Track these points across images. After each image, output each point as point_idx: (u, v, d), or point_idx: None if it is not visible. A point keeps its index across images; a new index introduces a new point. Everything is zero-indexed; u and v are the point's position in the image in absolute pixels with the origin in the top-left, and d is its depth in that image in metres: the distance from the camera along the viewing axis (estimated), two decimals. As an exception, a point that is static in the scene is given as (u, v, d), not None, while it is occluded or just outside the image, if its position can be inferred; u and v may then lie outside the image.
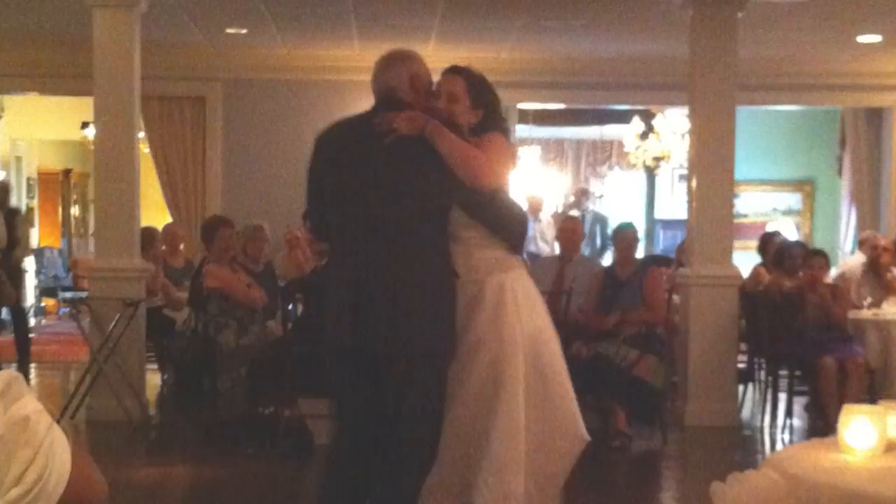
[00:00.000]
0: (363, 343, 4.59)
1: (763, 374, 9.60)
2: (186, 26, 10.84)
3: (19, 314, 11.86)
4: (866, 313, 9.14)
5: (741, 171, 15.79)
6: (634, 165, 15.96)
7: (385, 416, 4.67)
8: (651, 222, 16.76)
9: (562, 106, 14.43)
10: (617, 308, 8.61)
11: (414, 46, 11.52)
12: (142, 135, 10.55)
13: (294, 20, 10.78)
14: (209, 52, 12.13)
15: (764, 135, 15.28)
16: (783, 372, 9.18)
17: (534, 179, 16.05)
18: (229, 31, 11.25)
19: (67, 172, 19.58)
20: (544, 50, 12.15)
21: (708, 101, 9.27)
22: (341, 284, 4.69)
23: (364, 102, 12.93)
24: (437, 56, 12.05)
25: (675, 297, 9.48)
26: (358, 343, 4.61)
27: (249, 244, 9.46)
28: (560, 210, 16.72)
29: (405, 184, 4.63)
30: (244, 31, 11.24)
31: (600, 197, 17.94)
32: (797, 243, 9.51)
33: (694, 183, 9.43)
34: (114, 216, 9.15)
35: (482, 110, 4.87)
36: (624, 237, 9.13)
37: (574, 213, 14.56)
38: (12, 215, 11.64)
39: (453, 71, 4.92)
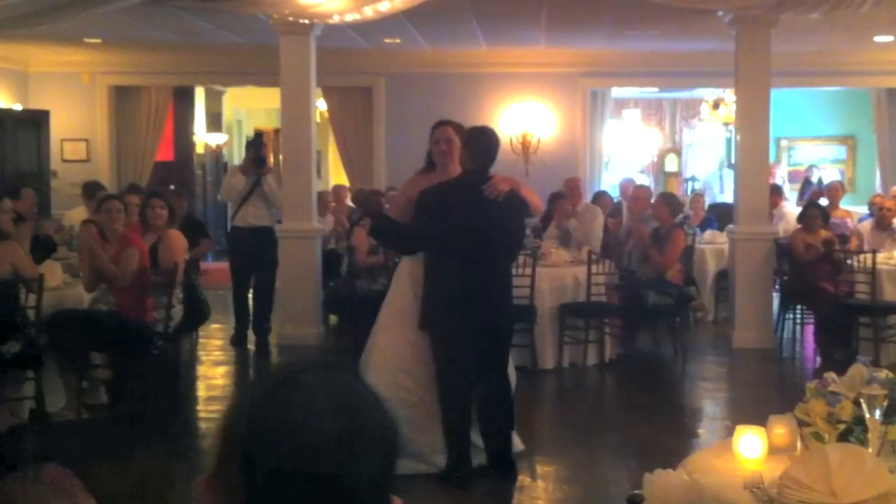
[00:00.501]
0: (474, 322, 5.55)
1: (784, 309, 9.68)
2: (354, 39, 11.23)
3: None
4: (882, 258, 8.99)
5: (799, 128, 15.81)
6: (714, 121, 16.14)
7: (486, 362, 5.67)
8: (728, 166, 16.81)
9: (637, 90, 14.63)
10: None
11: (526, 47, 12.04)
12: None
13: (434, 32, 11.14)
14: (374, 54, 12.54)
15: (815, 102, 15.21)
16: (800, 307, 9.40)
17: (634, 137, 16.33)
18: (387, 40, 11.68)
19: (277, 131, 20.38)
20: (627, 52, 12.41)
21: (748, 90, 9.42)
22: (456, 287, 5.54)
23: (489, 91, 13.45)
24: (546, 53, 12.46)
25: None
26: (470, 322, 5.55)
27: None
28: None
29: (507, 226, 5.69)
30: (398, 40, 11.67)
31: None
32: (816, 206, 9.53)
33: (739, 162, 9.68)
34: (296, 186, 9.57)
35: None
36: (664, 210, 9.13)
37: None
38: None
39: (443, 123, 5.87)
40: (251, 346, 9.45)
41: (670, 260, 8.75)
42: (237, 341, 9.49)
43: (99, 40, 11.70)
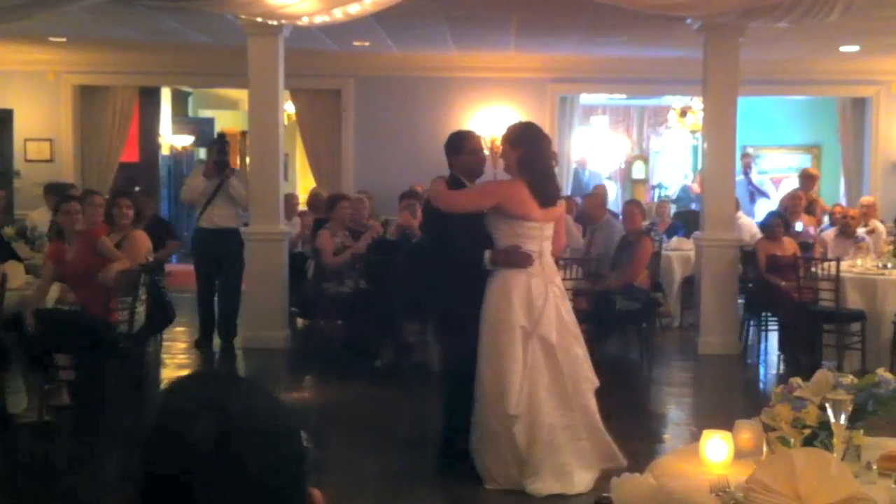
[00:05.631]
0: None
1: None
2: (323, 41, 11.20)
3: None
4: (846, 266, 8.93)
5: (765, 137, 15.95)
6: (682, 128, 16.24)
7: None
8: (696, 172, 16.86)
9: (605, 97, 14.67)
10: (618, 265, 9.01)
11: (497, 52, 12.04)
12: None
13: (404, 35, 11.09)
14: (343, 57, 12.48)
15: (781, 111, 15.33)
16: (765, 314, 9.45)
17: (602, 143, 16.46)
18: (356, 43, 11.62)
19: (244, 133, 20.29)
20: (596, 58, 12.45)
21: (716, 98, 9.45)
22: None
23: (458, 95, 13.44)
24: (516, 58, 12.48)
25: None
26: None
27: (355, 209, 9.61)
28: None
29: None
30: (367, 43, 11.63)
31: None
32: (778, 214, 9.61)
33: (706, 169, 9.73)
34: (263, 188, 9.48)
35: (522, 147, 5.57)
36: (631, 210, 9.35)
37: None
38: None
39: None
40: (217, 350, 9.38)
41: (638, 268, 8.81)
42: (202, 344, 9.43)
43: (64, 39, 11.58)
